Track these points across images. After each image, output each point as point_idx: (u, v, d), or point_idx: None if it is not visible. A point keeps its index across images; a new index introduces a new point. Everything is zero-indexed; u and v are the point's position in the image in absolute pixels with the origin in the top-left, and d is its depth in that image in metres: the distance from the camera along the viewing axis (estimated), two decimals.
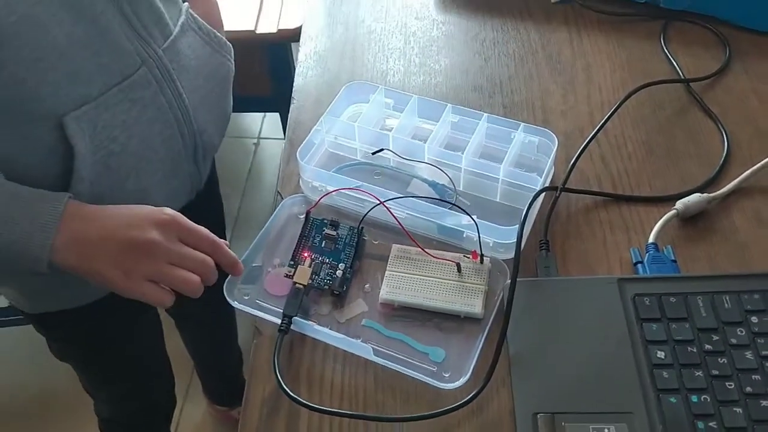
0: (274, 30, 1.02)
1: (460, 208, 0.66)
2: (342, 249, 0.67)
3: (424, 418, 0.56)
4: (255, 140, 2.21)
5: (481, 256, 0.65)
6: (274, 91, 1.17)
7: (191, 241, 0.59)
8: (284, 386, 0.57)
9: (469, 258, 0.65)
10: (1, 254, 0.56)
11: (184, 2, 0.76)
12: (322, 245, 0.67)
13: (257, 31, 1.03)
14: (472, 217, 0.64)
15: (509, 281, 0.61)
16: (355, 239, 0.68)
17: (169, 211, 0.59)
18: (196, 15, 0.75)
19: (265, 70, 1.13)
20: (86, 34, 0.58)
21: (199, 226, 0.60)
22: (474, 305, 0.63)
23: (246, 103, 1.34)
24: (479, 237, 0.64)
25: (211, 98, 0.76)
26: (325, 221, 0.69)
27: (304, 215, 0.70)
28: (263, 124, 2.26)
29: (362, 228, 0.68)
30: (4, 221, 0.55)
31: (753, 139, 0.76)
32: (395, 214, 0.68)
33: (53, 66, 0.58)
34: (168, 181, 0.73)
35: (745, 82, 0.82)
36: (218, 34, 0.79)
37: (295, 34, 1.04)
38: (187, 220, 0.60)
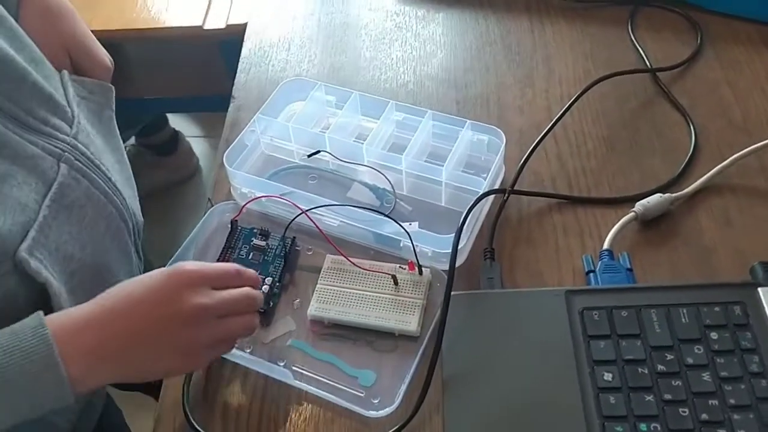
0: (222, 26, 0.96)
1: (389, 217, 0.60)
2: (271, 261, 0.62)
3: None
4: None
5: (419, 266, 0.59)
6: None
7: (221, 283, 0.51)
8: (192, 421, 0.52)
9: (405, 269, 0.59)
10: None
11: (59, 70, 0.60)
12: (249, 257, 0.62)
13: (205, 27, 0.97)
14: (402, 226, 0.58)
15: None
16: (286, 250, 0.62)
17: (186, 266, 0.50)
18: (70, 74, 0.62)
19: (221, 67, 1.08)
20: None
21: (217, 264, 0.53)
22: (409, 322, 0.57)
23: (208, 103, 1.29)
24: (413, 247, 0.58)
25: (121, 166, 0.63)
26: (255, 230, 0.64)
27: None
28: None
29: (294, 238, 0.63)
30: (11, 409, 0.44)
31: (723, 132, 0.70)
32: (328, 222, 0.63)
33: None
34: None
35: (717, 70, 0.76)
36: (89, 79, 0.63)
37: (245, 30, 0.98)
38: (204, 265, 0.51)
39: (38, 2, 0.60)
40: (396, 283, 0.59)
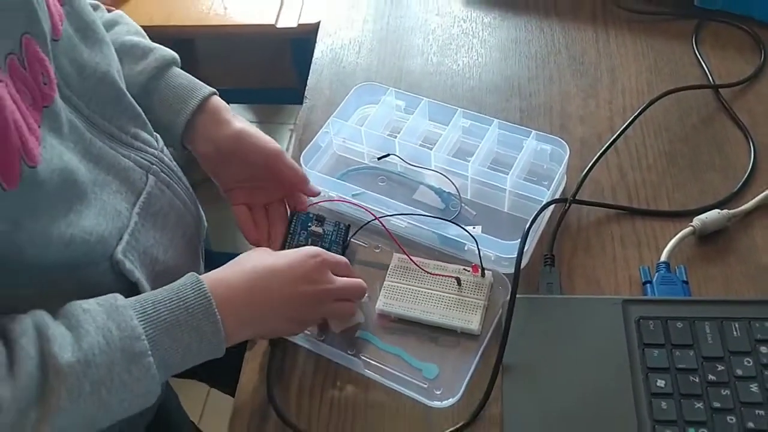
0: (294, 24, 1.01)
1: (454, 222, 0.64)
2: (328, 247, 0.65)
3: None
4: (292, 126, 2.22)
5: (482, 269, 0.63)
6: (301, 84, 1.17)
7: (340, 271, 0.60)
8: (276, 406, 0.57)
9: (469, 271, 0.63)
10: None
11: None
12: (308, 243, 0.66)
13: (278, 26, 1.02)
14: (469, 231, 0.62)
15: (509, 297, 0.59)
16: (342, 236, 0.66)
17: (315, 252, 0.58)
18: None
19: (289, 62, 1.13)
20: (89, 170, 0.52)
21: (337, 255, 0.61)
22: (471, 321, 0.61)
23: (274, 96, 1.34)
24: (479, 251, 0.62)
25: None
26: (311, 215, 0.67)
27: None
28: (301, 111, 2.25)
29: (349, 225, 0.66)
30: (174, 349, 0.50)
31: None
32: (396, 223, 0.67)
33: (89, 210, 0.51)
34: None
35: None
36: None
37: (316, 29, 1.02)
38: (328, 253, 0.59)
39: (241, 121, 0.66)
40: (459, 284, 0.63)
